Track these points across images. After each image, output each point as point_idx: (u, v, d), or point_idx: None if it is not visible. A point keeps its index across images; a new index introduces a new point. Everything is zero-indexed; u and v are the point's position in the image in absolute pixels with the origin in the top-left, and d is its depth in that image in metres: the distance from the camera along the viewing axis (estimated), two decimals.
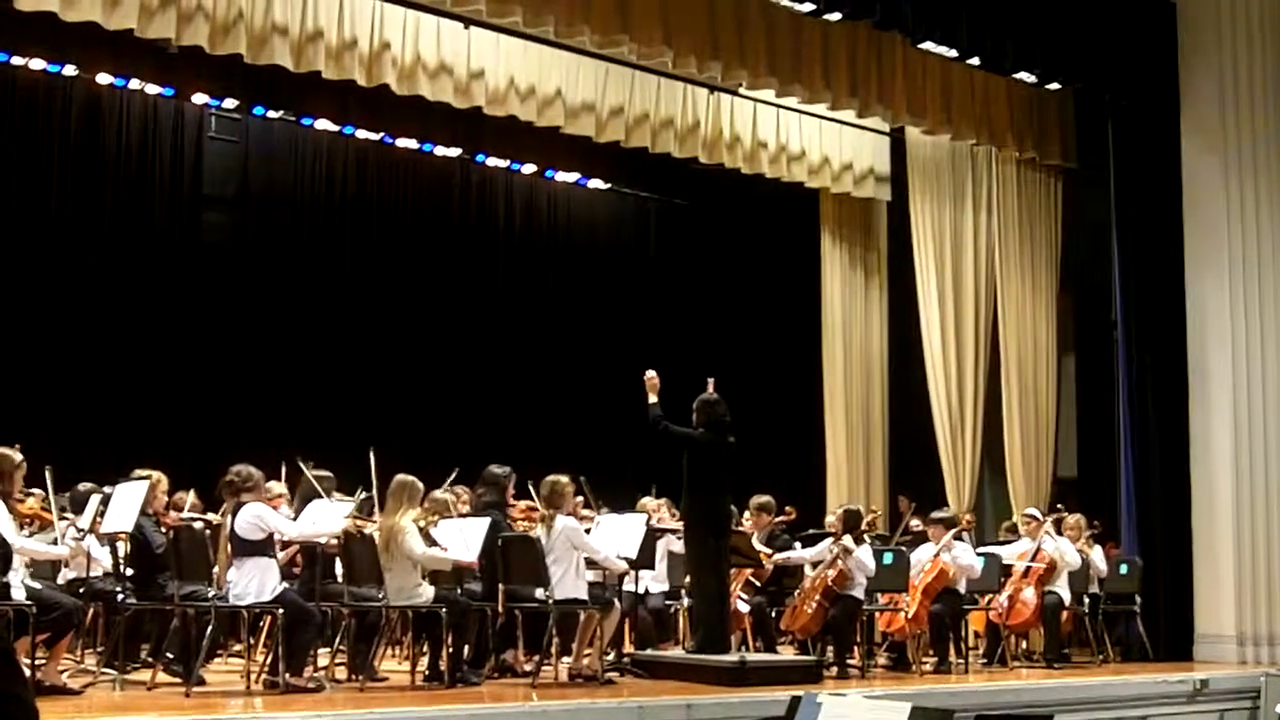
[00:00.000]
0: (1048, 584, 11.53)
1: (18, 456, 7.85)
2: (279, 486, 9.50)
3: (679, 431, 9.64)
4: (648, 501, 11.08)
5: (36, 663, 7.56)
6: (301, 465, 9.05)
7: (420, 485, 8.84)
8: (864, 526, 10.85)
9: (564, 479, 9.29)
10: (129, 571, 8.60)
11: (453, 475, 9.82)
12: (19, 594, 7.37)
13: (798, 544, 11.27)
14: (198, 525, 8.41)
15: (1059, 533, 11.88)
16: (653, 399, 9.67)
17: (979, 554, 11.56)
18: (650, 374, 9.73)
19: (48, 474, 8.21)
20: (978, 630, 11.92)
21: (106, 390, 13.13)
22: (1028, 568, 11.53)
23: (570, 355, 16.22)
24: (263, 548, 8.11)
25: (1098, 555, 12.21)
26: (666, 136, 13.49)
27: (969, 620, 11.50)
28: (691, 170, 14.85)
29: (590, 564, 9.27)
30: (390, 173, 15.34)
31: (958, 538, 11.18)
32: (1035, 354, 13.79)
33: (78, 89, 13.21)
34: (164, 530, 8.50)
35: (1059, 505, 12.57)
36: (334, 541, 8.90)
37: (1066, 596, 11.64)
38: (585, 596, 9.02)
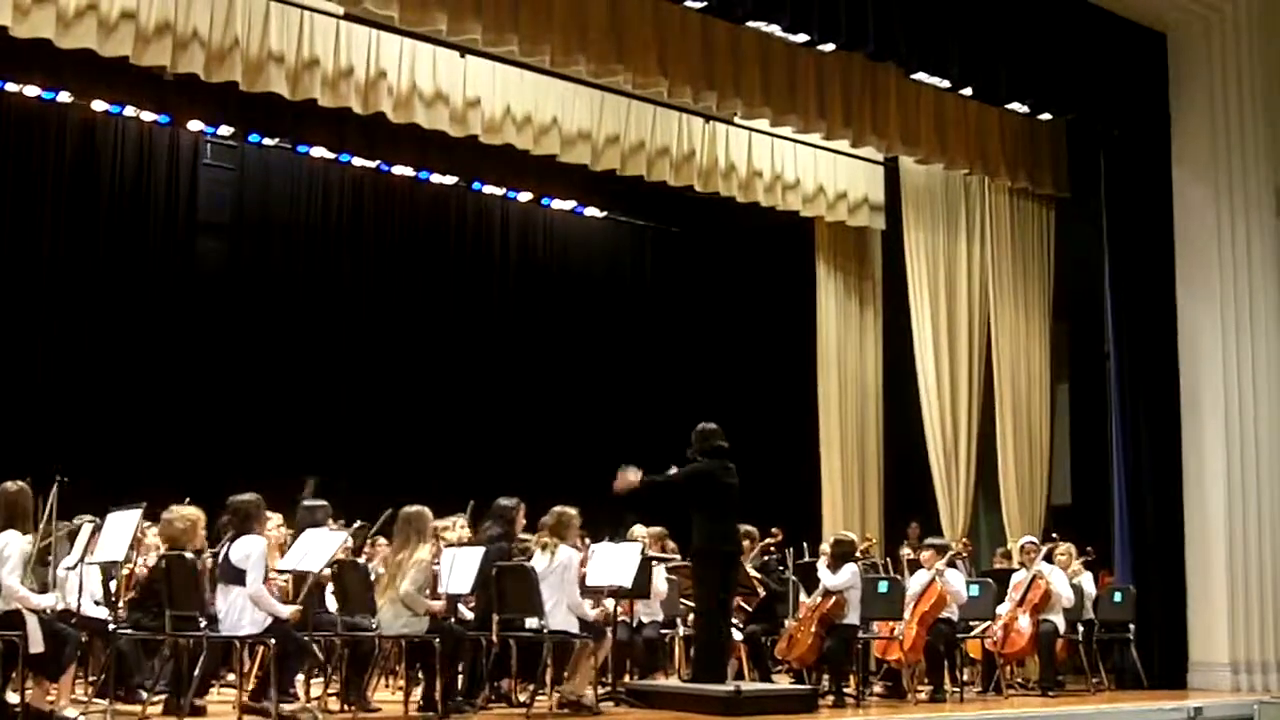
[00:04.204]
0: (1043, 612, 11.52)
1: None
2: (276, 516, 9.48)
3: (661, 479, 9.61)
4: (636, 530, 11.05)
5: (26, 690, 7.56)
6: (305, 498, 9.07)
7: (429, 515, 8.87)
8: (857, 554, 10.84)
9: (571, 510, 9.34)
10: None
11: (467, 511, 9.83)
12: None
13: (789, 573, 11.21)
14: (189, 555, 8.35)
15: (1049, 561, 11.90)
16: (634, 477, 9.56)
17: (975, 581, 11.60)
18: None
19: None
20: (974, 656, 11.90)
21: (99, 418, 13.10)
22: (1023, 596, 11.52)
23: (566, 383, 16.22)
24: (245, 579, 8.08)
25: (1087, 580, 12.21)
26: (662, 165, 13.51)
27: (964, 647, 11.49)
28: (687, 199, 14.87)
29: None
30: (386, 201, 15.36)
31: (951, 564, 11.19)
32: (1029, 382, 13.80)
33: (73, 115, 13.23)
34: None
35: (1054, 535, 12.57)
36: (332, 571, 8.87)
37: (1061, 625, 11.63)
38: (576, 628, 9.01)
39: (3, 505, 7.67)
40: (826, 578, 10.48)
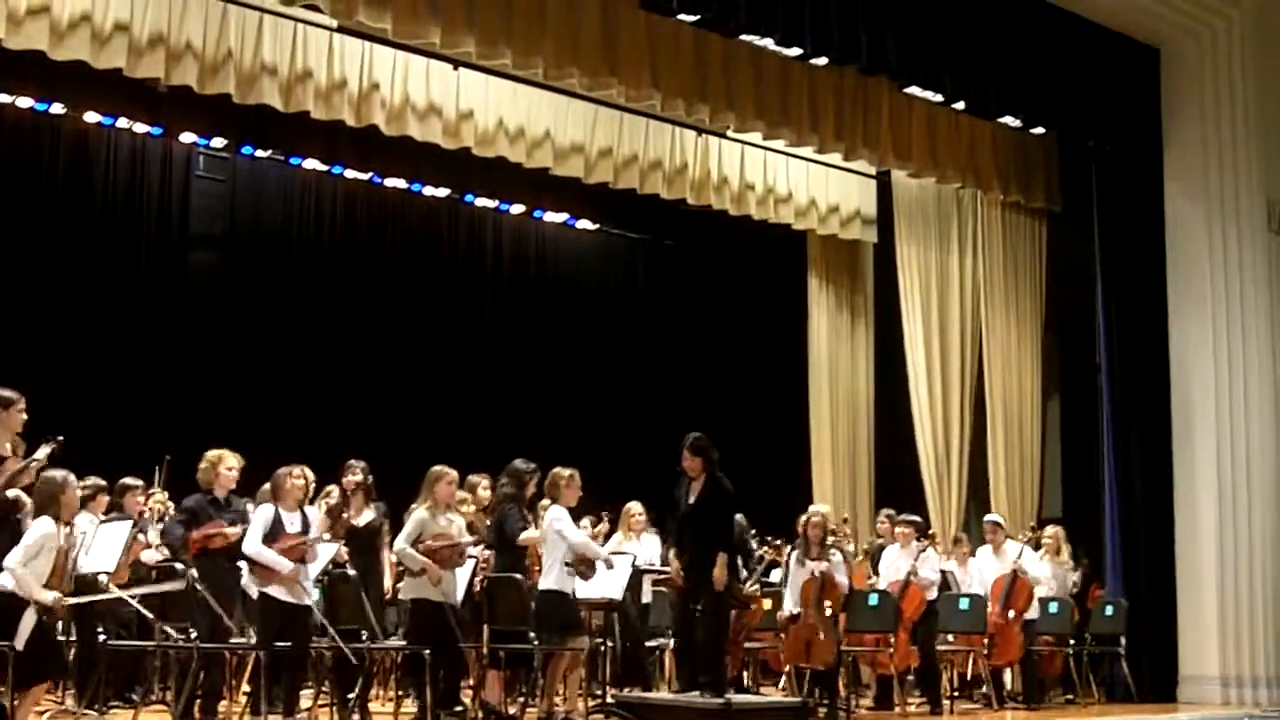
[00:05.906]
0: (1026, 611, 11.49)
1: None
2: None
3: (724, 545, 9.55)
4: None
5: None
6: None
7: (445, 471, 9.03)
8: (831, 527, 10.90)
9: (564, 471, 9.42)
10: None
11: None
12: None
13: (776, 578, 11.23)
14: (179, 567, 8.39)
15: (1037, 548, 11.95)
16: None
17: (968, 595, 11.58)
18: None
19: None
20: (962, 673, 11.89)
21: (91, 430, 13.04)
22: (1007, 599, 11.48)
23: (559, 396, 16.21)
24: None
25: (1051, 563, 12.19)
26: (655, 178, 13.54)
27: (954, 664, 11.49)
28: (680, 211, 14.90)
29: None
30: (379, 213, 15.35)
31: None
32: (1020, 395, 13.84)
33: (66, 127, 13.20)
34: None
35: (1032, 526, 12.55)
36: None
37: (1038, 614, 11.60)
38: (569, 590, 9.04)
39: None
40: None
